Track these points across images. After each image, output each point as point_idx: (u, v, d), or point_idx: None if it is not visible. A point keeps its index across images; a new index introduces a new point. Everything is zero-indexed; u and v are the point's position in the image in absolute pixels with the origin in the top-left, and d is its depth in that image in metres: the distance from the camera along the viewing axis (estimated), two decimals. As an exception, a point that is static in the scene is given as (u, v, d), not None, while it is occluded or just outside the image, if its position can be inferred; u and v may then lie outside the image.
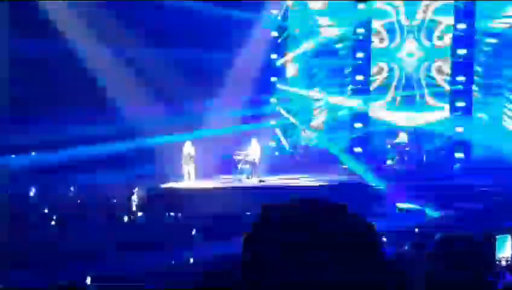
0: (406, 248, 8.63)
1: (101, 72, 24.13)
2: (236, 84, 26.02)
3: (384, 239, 13.47)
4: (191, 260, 13.13)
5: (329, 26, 28.95)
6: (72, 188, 21.42)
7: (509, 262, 5.25)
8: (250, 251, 1.67)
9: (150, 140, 23.49)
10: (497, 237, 5.90)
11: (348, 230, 1.65)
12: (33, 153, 23.38)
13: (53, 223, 16.70)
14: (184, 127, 23.78)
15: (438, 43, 27.96)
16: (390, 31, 28.50)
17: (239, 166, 23.35)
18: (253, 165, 23.31)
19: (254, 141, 23.57)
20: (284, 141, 28.71)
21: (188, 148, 22.44)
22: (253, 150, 23.30)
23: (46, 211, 17.68)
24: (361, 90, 28.12)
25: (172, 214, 18.10)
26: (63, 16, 23.69)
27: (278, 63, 28.95)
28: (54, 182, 21.37)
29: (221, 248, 12.16)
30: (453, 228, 14.59)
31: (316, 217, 1.65)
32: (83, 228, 16.30)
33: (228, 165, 24.27)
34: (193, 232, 16.52)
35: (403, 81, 28.35)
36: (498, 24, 26.91)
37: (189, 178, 22.49)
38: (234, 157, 23.60)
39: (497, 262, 5.24)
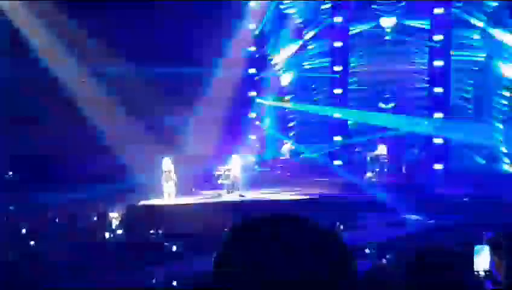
0: (385, 260, 8.64)
1: (76, 88, 24.07)
2: (215, 100, 26.04)
3: (367, 251, 13.51)
4: (172, 277, 13.05)
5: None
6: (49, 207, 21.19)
7: (487, 272, 5.27)
8: (220, 276, 1.66)
9: (128, 156, 23.41)
10: (475, 247, 5.91)
11: (317, 248, 1.64)
12: (10, 173, 23.25)
13: (32, 242, 16.52)
14: (163, 144, 23.77)
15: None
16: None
17: (219, 181, 23.30)
18: (233, 180, 23.27)
19: (235, 157, 23.54)
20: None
21: (167, 165, 22.27)
22: (234, 165, 23.25)
23: (23, 230, 17.50)
24: (340, 103, 28.30)
25: (152, 231, 18.00)
26: (35, 32, 23.60)
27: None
28: (31, 201, 21.20)
29: (202, 264, 12.11)
30: (433, 239, 14.66)
31: (286, 236, 1.64)
32: (62, 246, 16.15)
33: (209, 181, 24.27)
34: (174, 249, 16.46)
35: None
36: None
37: (169, 196, 22.31)
38: (215, 172, 23.57)
39: (476, 272, 5.25)
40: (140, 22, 24.29)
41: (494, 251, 4.63)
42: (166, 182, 22.17)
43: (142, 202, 21.77)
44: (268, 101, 29.25)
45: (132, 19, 24.10)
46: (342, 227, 19.32)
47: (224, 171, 23.23)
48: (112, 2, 23.57)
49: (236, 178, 23.37)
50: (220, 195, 22.95)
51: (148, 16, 24.58)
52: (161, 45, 24.79)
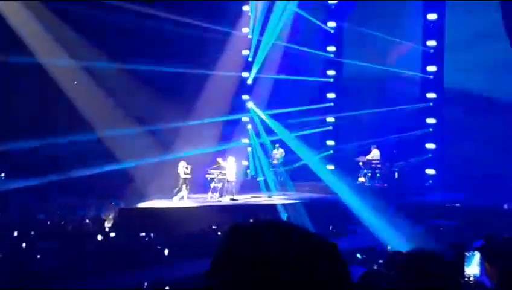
0: (376, 266, 8.65)
1: (74, 93, 24.02)
2: (209, 103, 26.03)
3: (359, 256, 13.52)
4: (162, 280, 13.05)
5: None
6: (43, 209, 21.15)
7: (477, 279, 5.32)
8: (215, 279, 1.68)
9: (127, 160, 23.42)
10: (465, 253, 5.96)
11: (313, 256, 1.66)
12: (2, 175, 23.19)
13: (24, 245, 16.45)
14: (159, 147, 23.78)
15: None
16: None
17: (212, 185, 23.24)
18: (227, 184, 23.20)
19: (230, 159, 23.43)
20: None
21: (182, 168, 22.28)
22: (229, 168, 23.14)
23: (15, 233, 17.42)
24: (333, 109, 28.45)
25: (143, 233, 17.97)
26: (33, 34, 23.52)
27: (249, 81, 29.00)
28: (25, 204, 21.14)
29: (193, 268, 12.11)
30: (424, 245, 14.67)
31: (281, 242, 1.66)
32: (54, 249, 16.09)
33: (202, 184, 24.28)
34: (166, 252, 16.44)
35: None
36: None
37: (183, 198, 22.30)
38: (207, 175, 23.50)
39: (466, 279, 5.30)
40: (136, 21, 24.22)
41: (485, 257, 4.65)
42: (183, 185, 22.17)
43: (135, 205, 21.72)
44: (255, 108, 29.06)
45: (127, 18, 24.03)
46: (334, 230, 19.38)
47: (217, 175, 23.18)
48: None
49: (230, 181, 23.31)
50: (212, 198, 22.91)
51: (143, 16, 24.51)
52: (156, 47, 24.74)
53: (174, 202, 21.84)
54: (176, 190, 22.21)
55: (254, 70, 28.73)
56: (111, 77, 23.98)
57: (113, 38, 23.44)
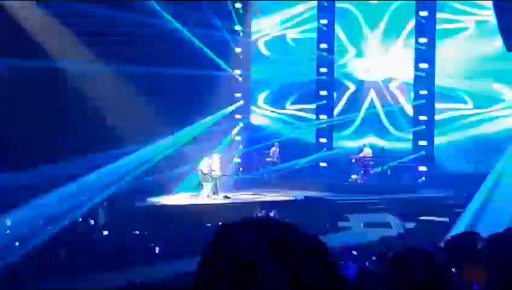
0: (368, 263, 8.65)
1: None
2: (202, 99, 26.01)
3: (354, 252, 13.54)
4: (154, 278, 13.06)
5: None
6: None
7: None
8: (205, 277, 1.67)
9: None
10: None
11: (304, 255, 1.65)
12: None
13: (17, 243, 16.39)
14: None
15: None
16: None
17: (203, 182, 23.17)
18: (217, 181, 23.15)
19: (216, 156, 23.37)
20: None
21: (204, 165, 22.37)
22: (215, 165, 23.09)
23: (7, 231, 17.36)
24: (325, 107, 28.50)
25: (137, 232, 17.94)
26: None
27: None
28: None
29: (184, 266, 12.09)
30: (416, 242, 14.69)
31: (273, 240, 1.65)
32: (47, 246, 16.02)
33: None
34: (156, 251, 16.42)
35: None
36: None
37: (207, 196, 22.35)
38: (198, 173, 23.42)
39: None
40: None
41: (469, 257, 4.49)
42: (205, 183, 22.27)
43: (127, 202, 21.64)
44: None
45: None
46: (328, 226, 19.44)
47: (209, 172, 23.09)
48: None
49: (220, 178, 23.30)
50: (205, 196, 22.84)
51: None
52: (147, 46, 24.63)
53: (204, 199, 22.07)
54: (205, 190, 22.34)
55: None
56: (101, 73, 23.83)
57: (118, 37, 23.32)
